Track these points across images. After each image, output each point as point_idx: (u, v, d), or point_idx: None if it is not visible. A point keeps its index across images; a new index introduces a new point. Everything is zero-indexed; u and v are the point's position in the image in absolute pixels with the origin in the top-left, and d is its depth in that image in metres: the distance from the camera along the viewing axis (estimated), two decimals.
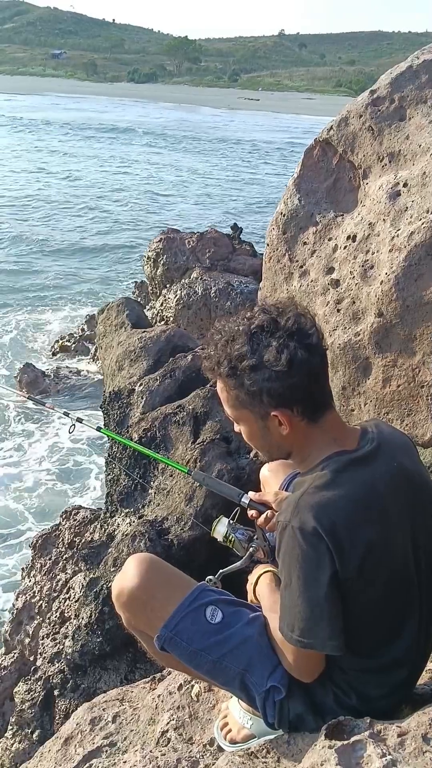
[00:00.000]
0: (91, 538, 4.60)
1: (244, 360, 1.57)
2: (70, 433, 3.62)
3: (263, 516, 2.08)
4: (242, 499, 2.16)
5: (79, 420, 3.08)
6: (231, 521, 2.15)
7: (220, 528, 2.15)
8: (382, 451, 1.62)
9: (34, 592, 4.74)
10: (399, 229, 3.05)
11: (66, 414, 3.19)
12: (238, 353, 1.58)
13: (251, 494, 2.16)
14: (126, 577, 1.79)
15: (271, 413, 1.60)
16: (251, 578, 1.88)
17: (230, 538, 2.13)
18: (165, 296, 8.92)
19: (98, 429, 3.06)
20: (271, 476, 2.27)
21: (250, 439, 1.73)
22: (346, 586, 1.51)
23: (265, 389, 1.57)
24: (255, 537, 2.13)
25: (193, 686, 2.21)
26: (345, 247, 3.31)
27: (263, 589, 1.81)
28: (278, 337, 1.55)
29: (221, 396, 1.70)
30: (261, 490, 2.28)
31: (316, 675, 1.62)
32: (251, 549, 2.10)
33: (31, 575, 4.89)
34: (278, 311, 1.61)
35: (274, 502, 2.07)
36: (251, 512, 2.13)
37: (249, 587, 1.88)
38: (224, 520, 2.16)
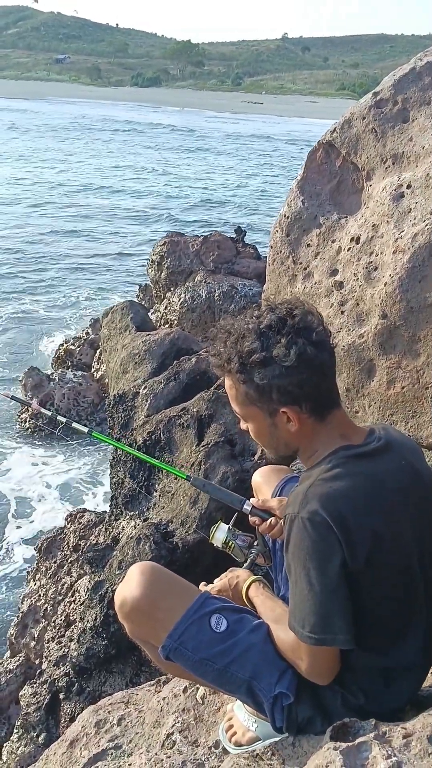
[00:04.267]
0: (96, 541, 4.60)
1: (254, 356, 1.59)
2: (56, 433, 3.42)
3: (267, 523, 2.07)
4: (244, 506, 2.15)
5: (68, 422, 2.86)
6: (230, 527, 2.14)
7: (219, 534, 2.13)
8: (390, 448, 1.64)
9: (40, 596, 4.75)
10: (403, 231, 3.04)
11: (55, 416, 2.96)
12: (249, 350, 1.61)
13: (253, 501, 2.14)
14: (129, 587, 1.78)
15: (279, 410, 1.63)
16: (241, 586, 1.87)
17: (230, 544, 2.12)
18: (169, 299, 8.92)
19: (89, 433, 2.83)
20: (263, 482, 2.27)
21: (257, 436, 1.75)
22: (354, 579, 1.51)
23: (275, 385, 1.59)
24: (255, 543, 2.11)
25: (198, 689, 2.20)
26: (349, 249, 3.31)
27: (259, 600, 1.82)
28: (287, 334, 1.59)
29: (230, 393, 1.72)
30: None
31: (333, 675, 1.61)
32: (252, 555, 2.09)
33: (37, 578, 4.90)
34: (286, 309, 1.64)
35: (278, 509, 2.06)
36: (253, 519, 2.12)
37: (238, 594, 1.87)
38: (223, 526, 2.14)
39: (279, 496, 2.16)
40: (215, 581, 1.94)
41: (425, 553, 1.62)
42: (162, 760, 1.94)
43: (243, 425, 1.77)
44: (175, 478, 4.30)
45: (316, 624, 1.51)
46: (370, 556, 1.51)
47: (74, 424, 2.84)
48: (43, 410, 3.01)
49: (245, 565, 2.04)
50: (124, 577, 1.86)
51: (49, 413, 2.97)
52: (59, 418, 2.89)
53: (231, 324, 1.69)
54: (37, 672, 4.23)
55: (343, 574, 1.50)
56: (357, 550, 1.50)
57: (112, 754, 2.16)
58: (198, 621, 1.72)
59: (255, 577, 1.89)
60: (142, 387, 5.17)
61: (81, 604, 4.13)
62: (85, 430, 2.82)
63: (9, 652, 4.77)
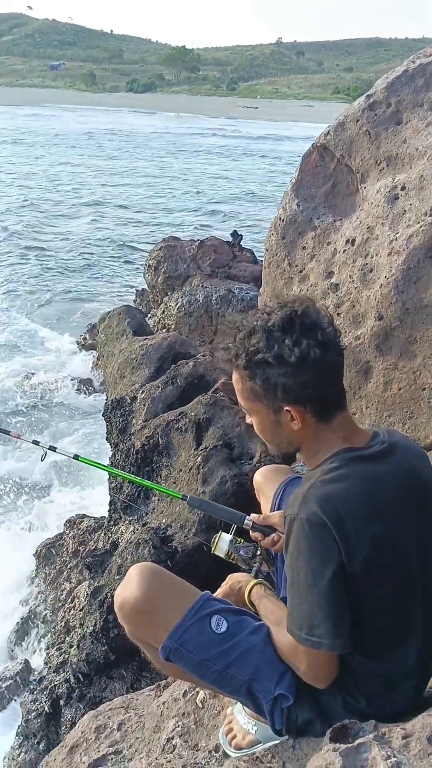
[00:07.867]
0: (95, 547, 4.60)
1: (261, 354, 1.60)
2: (42, 461, 3.33)
3: (270, 539, 2.08)
4: (245, 522, 2.16)
5: (52, 448, 2.79)
6: (233, 539, 2.14)
7: (222, 545, 2.14)
8: (393, 452, 1.64)
9: (39, 602, 4.74)
10: (397, 233, 3.05)
11: (36, 443, 2.86)
12: (255, 347, 1.61)
13: (253, 516, 2.16)
14: (128, 588, 1.78)
15: (284, 408, 1.63)
16: (244, 590, 1.88)
17: (233, 556, 2.13)
18: (166, 304, 8.92)
19: (75, 457, 2.79)
20: (264, 482, 2.28)
21: (261, 432, 1.76)
22: (352, 582, 1.51)
23: (280, 384, 1.60)
24: (258, 552, 2.12)
25: (198, 693, 2.20)
26: (344, 251, 3.31)
27: (260, 602, 1.82)
28: (294, 333, 1.59)
29: (236, 387, 1.73)
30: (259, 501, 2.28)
31: (331, 679, 1.61)
32: (255, 565, 2.10)
33: (36, 584, 4.89)
34: (295, 308, 1.64)
35: (280, 525, 2.05)
36: (255, 534, 2.13)
37: (241, 599, 1.87)
38: (225, 537, 2.15)
39: (281, 498, 2.17)
40: (217, 591, 1.94)
41: (425, 557, 1.60)
42: (162, 764, 1.94)
43: (248, 419, 1.78)
44: (174, 482, 4.29)
45: (312, 627, 1.51)
46: (367, 558, 1.50)
47: (58, 450, 2.81)
48: (23, 438, 2.98)
49: (251, 575, 2.04)
50: (123, 578, 1.86)
51: (30, 441, 2.92)
52: (40, 444, 2.81)
53: (240, 319, 1.69)
54: (38, 678, 4.22)
55: (341, 577, 1.49)
56: (355, 553, 1.49)
57: (112, 759, 2.15)
58: (198, 622, 1.71)
59: (257, 580, 1.89)
60: (140, 391, 5.17)
61: (80, 610, 4.12)
62: (71, 455, 2.81)
63: (9, 658, 4.76)
